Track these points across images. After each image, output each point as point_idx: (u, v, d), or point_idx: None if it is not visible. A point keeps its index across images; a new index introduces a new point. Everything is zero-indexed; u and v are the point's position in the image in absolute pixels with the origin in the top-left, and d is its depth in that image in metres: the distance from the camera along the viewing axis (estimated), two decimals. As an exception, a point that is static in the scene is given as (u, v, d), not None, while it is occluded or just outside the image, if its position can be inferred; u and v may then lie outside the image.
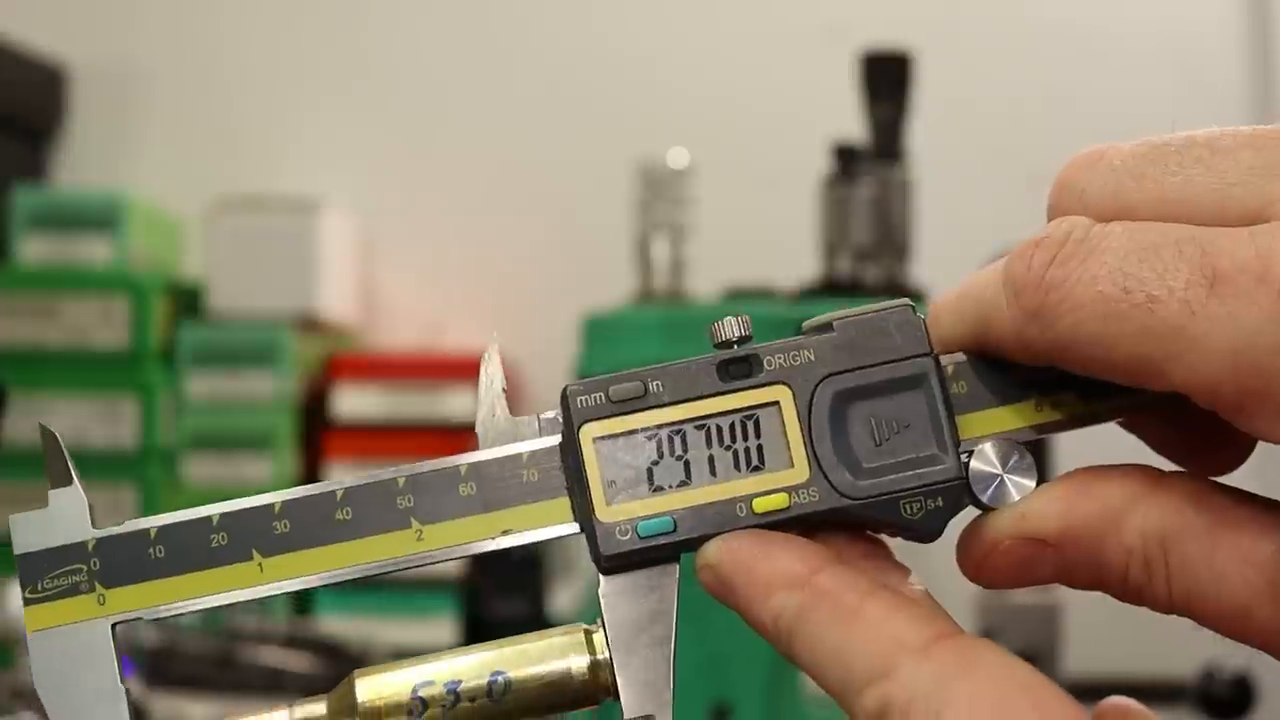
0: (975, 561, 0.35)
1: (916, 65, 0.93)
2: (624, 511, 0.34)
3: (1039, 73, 1.30)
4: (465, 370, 1.14)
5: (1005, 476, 0.34)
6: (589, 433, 0.34)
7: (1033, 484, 0.34)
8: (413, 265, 1.32)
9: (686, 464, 0.34)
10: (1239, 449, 0.36)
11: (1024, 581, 0.35)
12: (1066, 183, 0.35)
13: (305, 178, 1.30)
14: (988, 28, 1.30)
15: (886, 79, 0.93)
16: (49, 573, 0.35)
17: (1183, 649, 1.22)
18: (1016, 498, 0.34)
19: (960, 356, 0.34)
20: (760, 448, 0.34)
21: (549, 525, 0.35)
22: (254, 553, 0.35)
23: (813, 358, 0.35)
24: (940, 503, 0.35)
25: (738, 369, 0.34)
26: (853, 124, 0.93)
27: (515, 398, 1.21)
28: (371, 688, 0.33)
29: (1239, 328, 0.30)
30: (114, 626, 0.34)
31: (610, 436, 0.34)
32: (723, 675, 0.89)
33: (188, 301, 1.18)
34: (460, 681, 0.34)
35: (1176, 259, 0.30)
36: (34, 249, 1.15)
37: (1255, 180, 0.31)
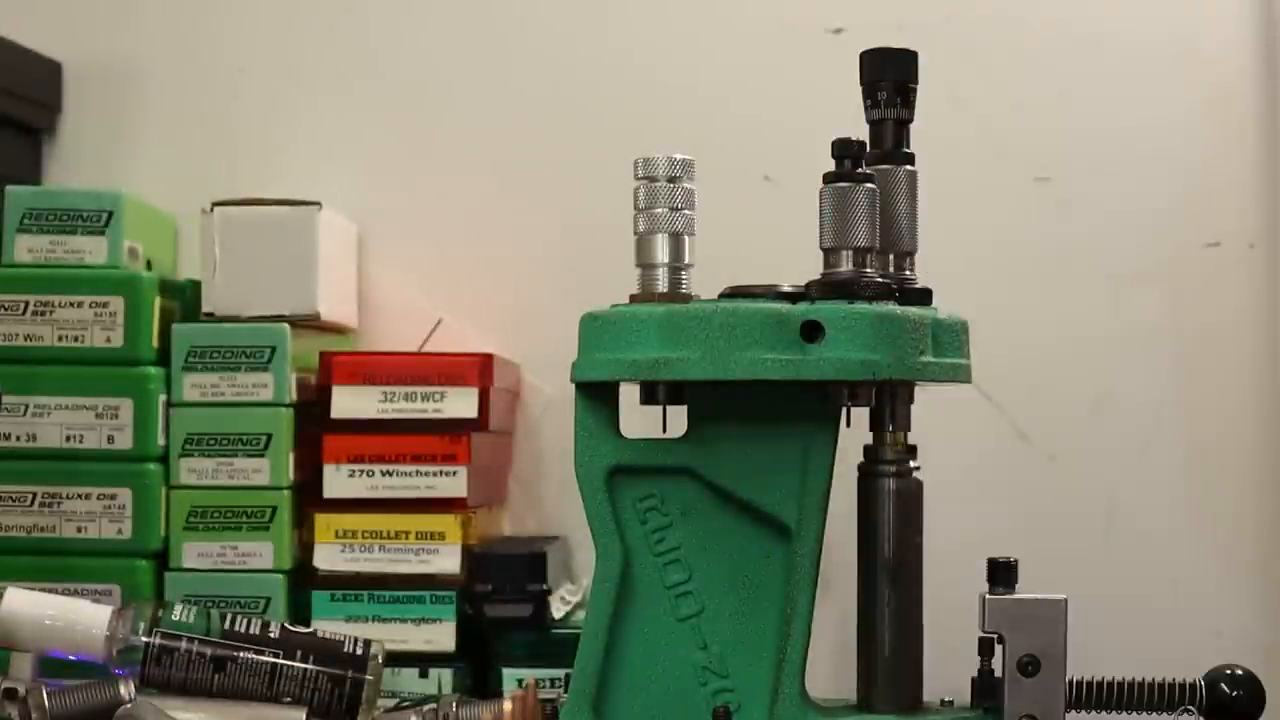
0: None
1: (918, 65, 0.93)
2: None
3: (1040, 73, 1.29)
4: (465, 371, 1.13)
5: None
6: None
7: None
8: (412, 265, 1.32)
9: None
10: None
11: None
12: None
13: (304, 177, 1.30)
14: (989, 27, 1.30)
15: (888, 78, 0.92)
16: None
17: (1188, 651, 1.22)
18: None
19: None
20: None
21: None
22: None
23: None
24: None
25: None
26: (853, 124, 0.92)
27: (515, 398, 1.21)
28: None
29: None
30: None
31: None
32: (724, 676, 0.89)
33: (184, 302, 1.18)
34: None
35: None
36: (28, 248, 1.14)
37: None
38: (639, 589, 0.89)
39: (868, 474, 0.89)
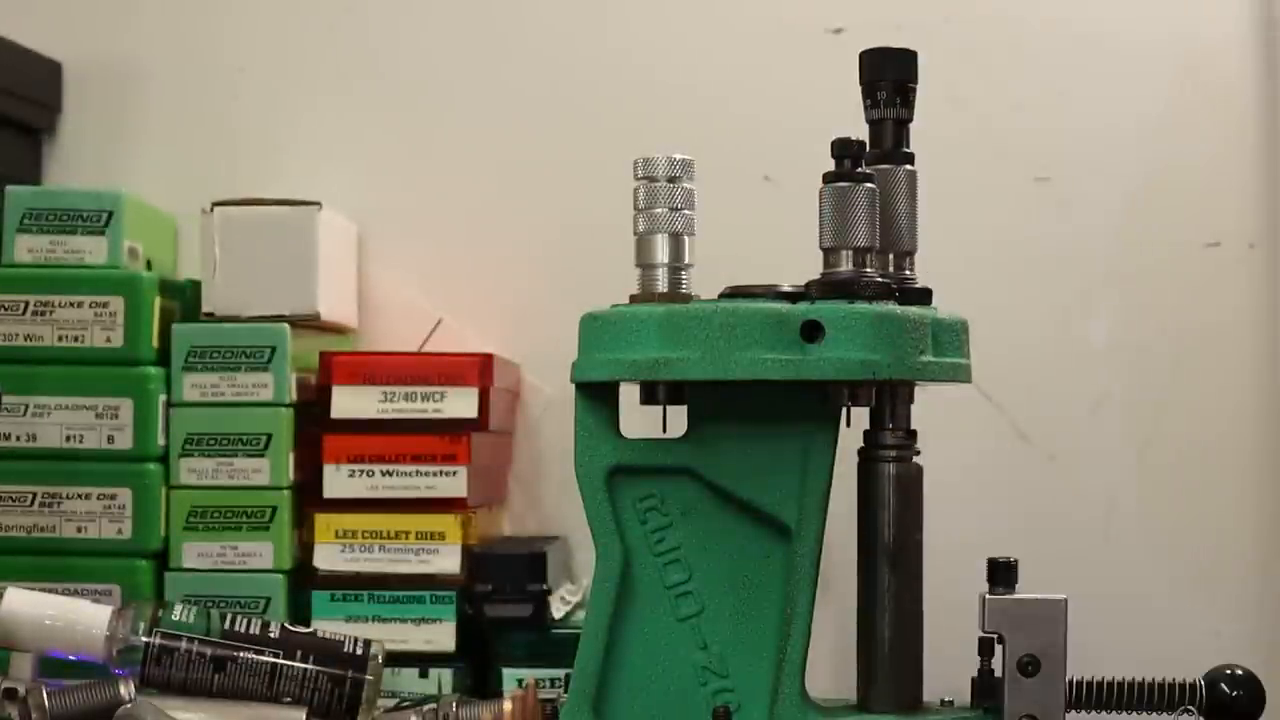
0: None
1: (917, 64, 0.93)
2: None
3: (1040, 73, 1.29)
4: (465, 371, 1.13)
5: None
6: None
7: None
8: (412, 265, 1.32)
9: None
10: None
11: None
12: None
13: (304, 177, 1.30)
14: (988, 27, 1.30)
15: (887, 78, 0.92)
16: None
17: (1188, 651, 1.22)
18: None
19: None
20: None
21: None
22: None
23: None
24: None
25: None
26: (853, 124, 0.92)
27: (515, 398, 1.21)
28: None
29: None
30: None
31: None
32: (724, 676, 0.89)
33: (184, 302, 1.18)
34: None
35: None
36: (28, 248, 1.14)
37: None
38: (639, 589, 0.89)
39: (868, 459, 0.90)
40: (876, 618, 0.89)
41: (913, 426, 0.90)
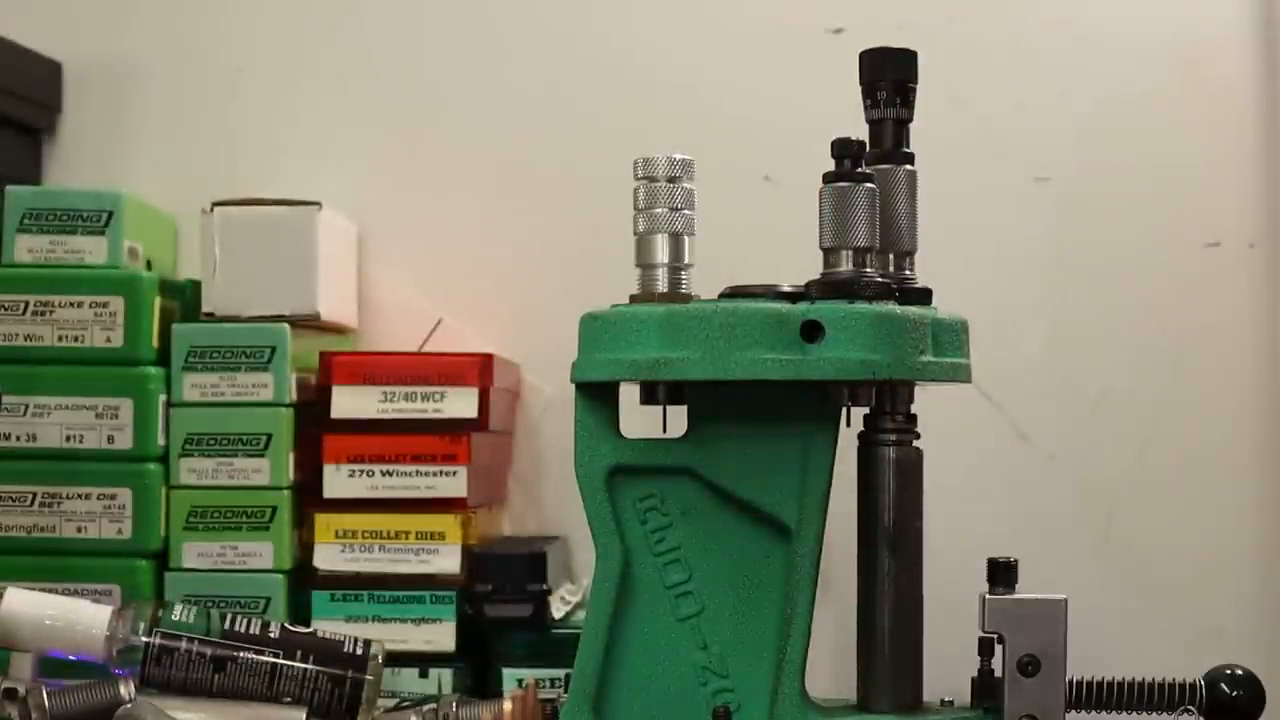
0: None
1: (917, 64, 0.93)
2: None
3: (1040, 73, 1.29)
4: (465, 371, 1.13)
5: None
6: None
7: None
8: (412, 265, 1.32)
9: None
10: None
11: None
12: None
13: (303, 177, 1.30)
14: (989, 27, 1.30)
15: (888, 78, 0.93)
16: None
17: (1188, 651, 1.22)
18: None
19: None
20: None
21: None
22: None
23: None
24: None
25: None
26: (853, 124, 0.92)
27: (515, 398, 1.21)
28: None
29: None
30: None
31: None
32: (724, 676, 0.89)
33: (184, 302, 1.18)
34: None
35: None
36: (28, 248, 1.14)
37: None
38: (639, 589, 0.89)
39: (868, 443, 0.89)
40: (876, 605, 0.89)
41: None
